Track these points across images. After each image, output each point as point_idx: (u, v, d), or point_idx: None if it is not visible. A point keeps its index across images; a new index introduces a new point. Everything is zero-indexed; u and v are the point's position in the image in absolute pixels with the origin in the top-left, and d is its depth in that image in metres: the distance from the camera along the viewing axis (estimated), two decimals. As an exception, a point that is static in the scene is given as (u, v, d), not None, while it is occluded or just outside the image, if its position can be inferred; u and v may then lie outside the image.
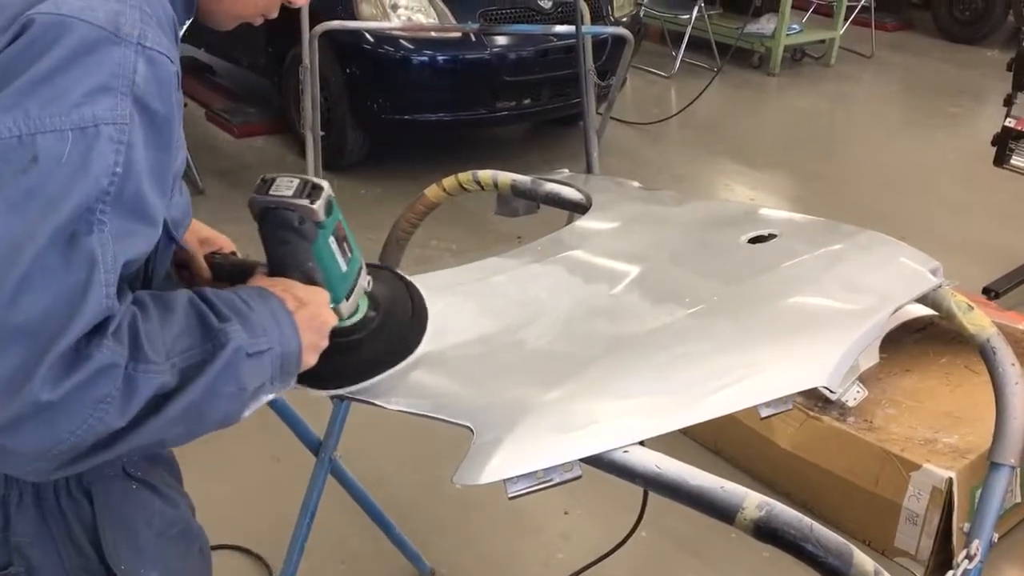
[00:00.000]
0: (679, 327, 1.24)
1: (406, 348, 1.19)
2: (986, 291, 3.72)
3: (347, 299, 1.10)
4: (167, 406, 0.86)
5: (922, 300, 1.42)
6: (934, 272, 1.40)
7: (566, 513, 2.63)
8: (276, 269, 1.08)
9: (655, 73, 6.81)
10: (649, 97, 6.42)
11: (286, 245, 1.06)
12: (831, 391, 2.33)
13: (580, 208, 1.68)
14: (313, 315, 1.03)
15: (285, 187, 1.06)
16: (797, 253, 1.41)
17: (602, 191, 1.71)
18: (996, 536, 1.42)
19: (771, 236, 1.47)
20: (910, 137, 5.93)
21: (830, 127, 6.26)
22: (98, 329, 0.81)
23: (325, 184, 1.08)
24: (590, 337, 1.22)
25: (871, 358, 2.81)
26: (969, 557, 1.36)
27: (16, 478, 0.99)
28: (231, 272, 1.21)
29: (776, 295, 1.31)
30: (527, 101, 4.68)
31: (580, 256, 1.42)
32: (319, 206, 1.06)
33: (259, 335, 0.94)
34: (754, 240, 1.46)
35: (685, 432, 2.96)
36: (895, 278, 1.38)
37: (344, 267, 1.10)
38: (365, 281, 1.14)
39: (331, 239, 1.08)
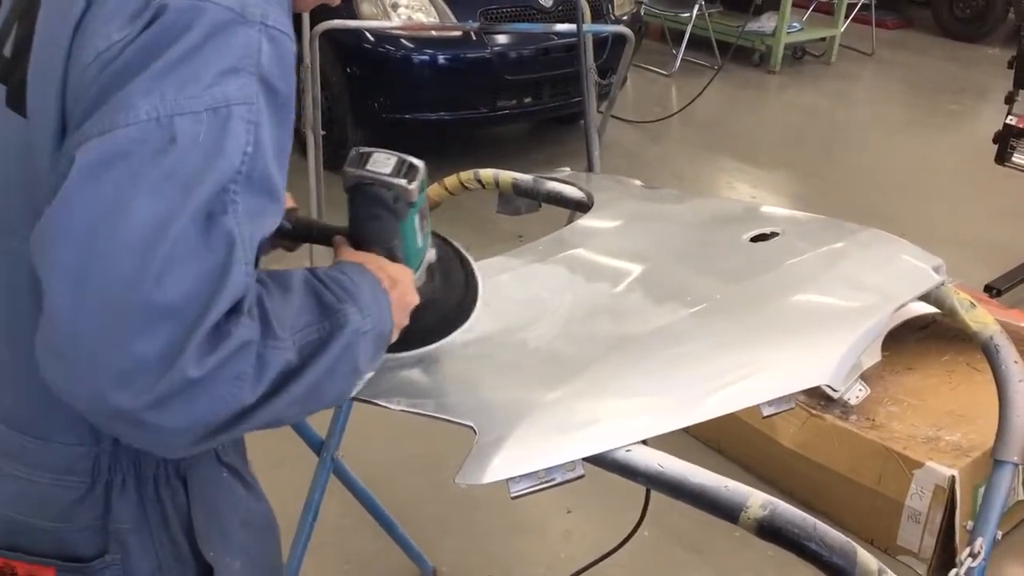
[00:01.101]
0: (681, 326, 1.24)
1: (459, 317, 1.19)
2: (988, 289, 3.71)
3: (416, 272, 1.12)
4: (291, 384, 0.87)
5: (924, 298, 1.42)
6: (937, 269, 1.40)
7: (569, 512, 2.63)
8: (361, 242, 1.08)
9: (656, 72, 6.80)
10: (650, 96, 6.42)
11: (376, 221, 1.07)
12: (833, 389, 2.33)
13: (582, 207, 1.67)
14: (402, 295, 1.04)
15: (383, 163, 1.07)
16: (799, 251, 1.41)
17: (604, 190, 1.71)
18: (999, 534, 1.41)
19: (773, 234, 1.47)
20: (911, 135, 5.92)
21: (831, 125, 6.25)
22: (235, 307, 0.82)
23: (421, 164, 1.09)
24: (592, 336, 1.22)
25: (873, 356, 2.83)
26: (972, 555, 1.36)
27: (120, 464, 1.00)
28: (317, 234, 1.20)
29: (778, 293, 1.31)
30: (528, 100, 4.68)
31: (582, 255, 1.42)
32: (415, 187, 1.07)
33: (366, 315, 0.95)
34: (756, 238, 1.46)
35: (687, 431, 2.95)
36: (897, 276, 1.37)
37: (420, 243, 1.11)
38: (432, 254, 1.15)
39: (416, 216, 1.09)
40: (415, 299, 1.07)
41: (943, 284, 1.39)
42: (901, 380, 2.83)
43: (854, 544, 1.03)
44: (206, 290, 0.79)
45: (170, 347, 0.78)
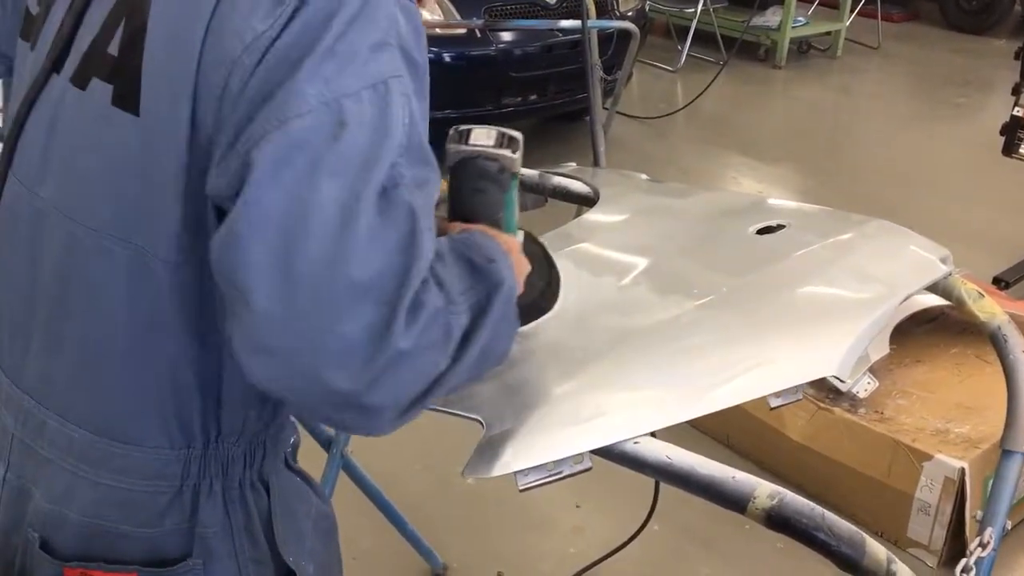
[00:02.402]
0: (687, 319, 1.24)
1: (549, 300, 1.19)
2: (996, 281, 3.70)
3: None
4: (469, 347, 0.88)
5: (932, 288, 1.42)
6: (944, 260, 1.40)
7: (578, 507, 2.64)
8: (466, 217, 1.08)
9: (661, 67, 6.80)
10: (655, 92, 6.41)
11: (483, 194, 1.08)
12: (841, 382, 2.32)
13: (588, 201, 1.68)
14: (519, 261, 1.05)
15: (484, 137, 1.09)
16: (805, 243, 1.40)
17: (609, 184, 1.71)
18: (1009, 524, 1.41)
19: (779, 227, 1.47)
20: (917, 128, 5.91)
21: (837, 119, 6.24)
22: None
23: (519, 135, 1.10)
24: (598, 330, 1.22)
25: (881, 349, 2.82)
26: (982, 545, 1.36)
27: (209, 468, 1.00)
28: None
29: (785, 285, 1.31)
30: (533, 97, 4.68)
31: (588, 249, 1.42)
32: (518, 156, 1.08)
33: (511, 273, 0.97)
34: (762, 231, 1.46)
35: (696, 425, 2.97)
36: (904, 266, 1.37)
37: (518, 216, 1.12)
38: (521, 234, 1.15)
39: (516, 188, 1.10)
40: (527, 266, 1.08)
41: (950, 275, 1.38)
42: (910, 373, 2.83)
43: (863, 534, 1.03)
44: (400, 263, 0.81)
45: (379, 323, 0.79)
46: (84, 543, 1.00)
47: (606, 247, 1.44)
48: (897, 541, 2.52)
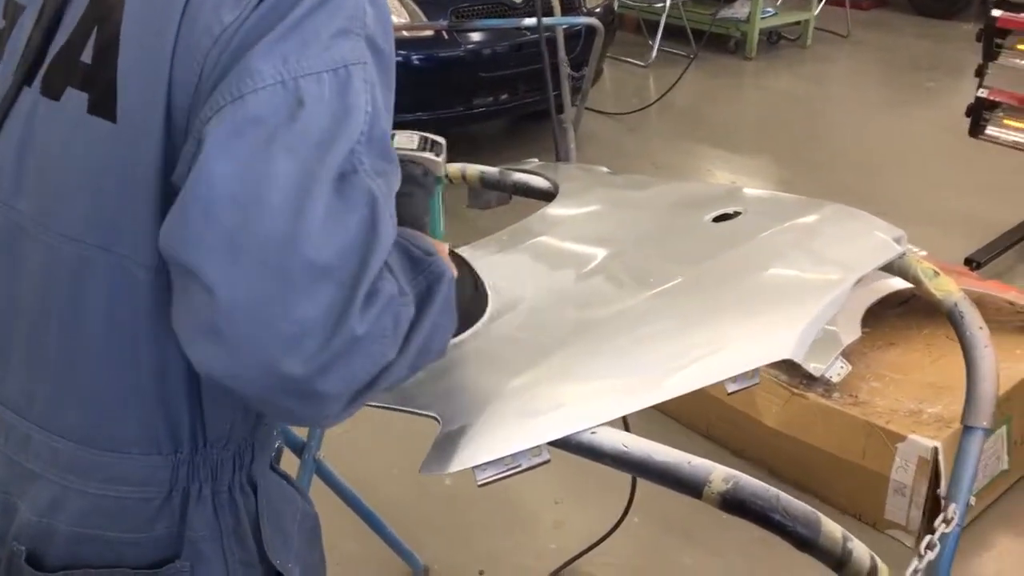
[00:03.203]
0: (644, 308, 1.24)
1: (475, 312, 1.19)
2: (968, 262, 3.73)
3: None
4: (413, 337, 0.87)
5: (888, 268, 1.43)
6: (898, 240, 1.41)
7: (557, 503, 2.64)
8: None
9: (632, 63, 6.81)
10: (628, 87, 6.43)
11: (408, 198, 1.07)
12: (811, 367, 2.32)
13: (548, 196, 1.68)
14: (449, 264, 1.03)
15: (407, 141, 1.09)
16: (761, 229, 1.41)
17: (570, 179, 1.71)
18: (973, 499, 1.43)
19: (736, 214, 1.48)
20: (888, 114, 5.94)
21: (809, 108, 6.27)
22: None
23: (442, 140, 1.10)
24: (555, 323, 1.23)
25: (853, 333, 2.81)
26: (946, 521, 1.37)
27: (198, 473, 0.99)
28: None
29: (740, 271, 1.32)
30: (504, 96, 4.68)
31: (545, 243, 1.43)
32: (442, 159, 1.08)
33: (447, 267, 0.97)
34: (719, 218, 1.47)
35: (676, 417, 2.98)
36: (859, 248, 1.38)
37: (442, 222, 1.12)
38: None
39: (440, 192, 1.11)
40: (454, 271, 1.07)
41: (904, 255, 1.39)
42: (883, 356, 2.84)
43: (818, 513, 1.04)
44: (360, 246, 0.79)
45: (334, 307, 0.77)
46: (71, 552, 1.00)
47: (564, 240, 1.44)
48: (875, 523, 2.53)
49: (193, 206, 0.78)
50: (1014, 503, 2.73)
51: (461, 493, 2.61)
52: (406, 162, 1.07)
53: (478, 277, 1.19)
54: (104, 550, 0.99)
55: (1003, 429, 2.64)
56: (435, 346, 0.95)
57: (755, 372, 1.16)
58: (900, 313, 2.99)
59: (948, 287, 1.41)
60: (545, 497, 2.65)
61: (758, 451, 2.74)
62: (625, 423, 1.97)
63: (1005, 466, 2.68)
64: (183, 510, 1.00)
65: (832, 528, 1.03)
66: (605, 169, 1.81)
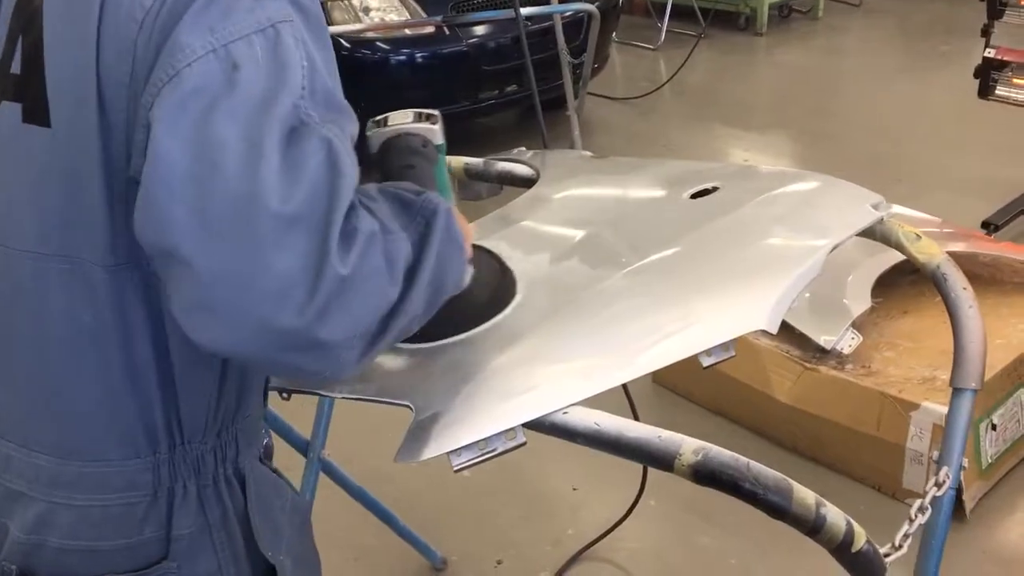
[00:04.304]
0: (617, 286, 1.24)
1: (503, 298, 1.21)
2: (985, 225, 3.67)
3: None
4: (417, 275, 0.89)
5: (871, 234, 1.42)
6: (876, 206, 1.40)
7: (574, 490, 2.65)
8: None
9: (642, 47, 6.77)
10: (638, 71, 6.39)
11: (413, 170, 1.10)
12: (822, 340, 2.30)
13: (532, 184, 1.68)
14: (462, 222, 1.04)
15: (402, 117, 1.13)
16: (738, 203, 1.41)
17: (552, 165, 1.71)
18: (966, 461, 1.42)
19: (714, 189, 1.47)
20: (904, 81, 5.86)
21: (823, 81, 6.20)
22: (350, 204, 0.84)
23: (436, 111, 1.15)
24: (528, 306, 1.23)
25: (862, 303, 2.82)
26: (938, 484, 1.36)
27: (180, 470, 1.00)
28: None
29: (715, 245, 1.32)
30: (510, 88, 4.68)
31: (523, 228, 1.43)
32: (439, 128, 1.13)
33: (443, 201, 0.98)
34: (697, 195, 1.47)
35: (689, 397, 2.97)
36: (836, 216, 1.38)
37: (451, 193, 1.16)
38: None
39: (444, 161, 1.15)
40: (471, 230, 1.08)
41: (883, 220, 1.38)
42: (896, 324, 2.81)
43: (790, 481, 1.04)
44: (323, 188, 0.81)
45: (313, 251, 0.79)
46: (60, 565, 1.01)
47: (541, 224, 1.45)
48: (894, 493, 2.51)
49: (154, 188, 0.80)
50: (1038, 466, 2.70)
51: (478, 484, 2.62)
52: (406, 135, 1.11)
53: (503, 263, 1.22)
54: (93, 561, 1.00)
55: (1021, 392, 2.61)
56: (449, 279, 0.96)
57: (730, 344, 1.16)
58: (913, 280, 2.96)
59: (930, 250, 1.40)
60: (562, 484, 2.66)
61: (774, 428, 2.72)
62: (632, 407, 1.98)
63: (1025, 429, 2.65)
64: (170, 510, 1.01)
65: (805, 495, 1.03)
66: (588, 153, 1.81)
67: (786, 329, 2.63)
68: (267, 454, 1.15)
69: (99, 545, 1.00)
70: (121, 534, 1.00)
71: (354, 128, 0.90)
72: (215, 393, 1.01)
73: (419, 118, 1.13)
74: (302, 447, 1.96)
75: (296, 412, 2.03)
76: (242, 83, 0.81)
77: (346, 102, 0.90)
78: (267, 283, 0.78)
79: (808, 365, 2.62)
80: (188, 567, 1.02)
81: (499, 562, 2.42)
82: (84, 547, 1.00)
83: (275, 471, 1.15)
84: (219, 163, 0.79)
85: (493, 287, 1.25)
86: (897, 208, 2.97)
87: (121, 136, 0.88)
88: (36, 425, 1.00)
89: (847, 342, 2.64)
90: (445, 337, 1.16)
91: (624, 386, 1.96)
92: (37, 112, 0.91)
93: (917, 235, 1.41)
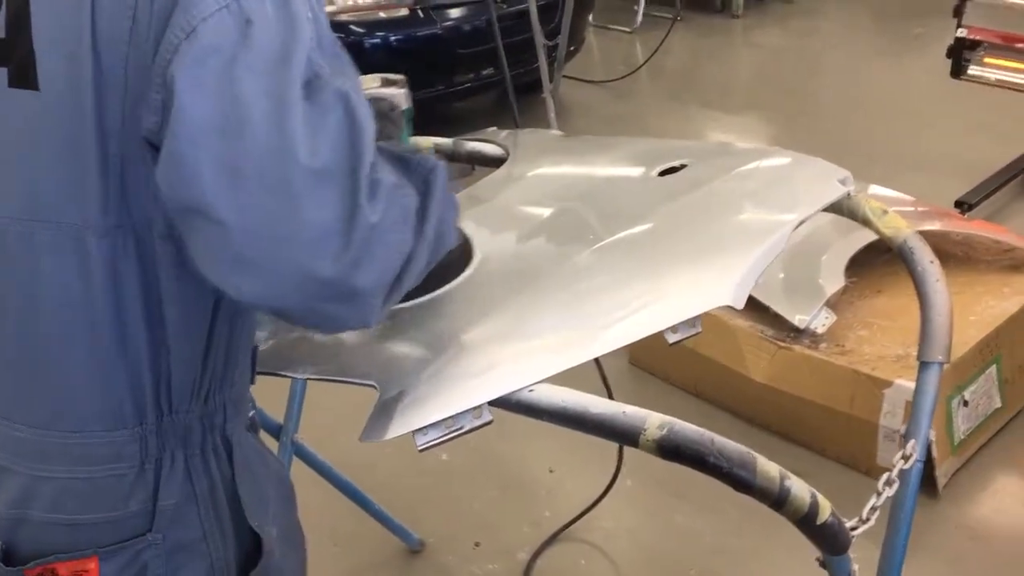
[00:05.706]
0: (583, 263, 1.24)
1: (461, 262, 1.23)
2: (958, 204, 3.69)
3: None
4: (425, 224, 0.93)
5: (837, 209, 1.42)
6: (843, 181, 1.40)
7: (551, 471, 2.65)
8: None
9: (619, 29, 6.76)
10: (615, 54, 6.39)
11: (379, 134, 1.12)
12: (796, 319, 2.31)
13: (501, 163, 1.68)
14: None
15: (368, 83, 1.16)
16: (705, 179, 1.41)
17: (523, 144, 1.71)
18: (933, 434, 1.42)
19: (682, 166, 1.47)
20: (879, 62, 5.89)
21: (799, 63, 6.22)
22: None
23: (402, 76, 1.18)
24: (494, 284, 1.23)
25: (836, 282, 2.82)
26: (905, 457, 1.37)
27: (167, 441, 0.99)
28: None
29: (682, 222, 1.32)
30: (486, 72, 4.66)
31: (490, 206, 1.43)
32: (405, 92, 1.16)
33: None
34: (665, 172, 1.46)
35: (664, 378, 2.98)
36: (801, 191, 1.38)
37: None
38: None
39: (410, 126, 1.18)
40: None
41: (849, 195, 1.39)
42: (871, 303, 2.83)
43: (754, 454, 1.04)
44: (347, 141, 0.83)
45: (344, 201, 0.81)
46: (44, 540, 1.00)
47: (509, 203, 1.44)
48: (869, 471, 2.53)
49: (180, 145, 0.80)
50: (1011, 441, 2.73)
51: (455, 466, 2.63)
52: (373, 100, 1.12)
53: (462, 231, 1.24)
54: (76, 533, 0.99)
55: (992, 368, 2.63)
56: (446, 233, 1.00)
57: (696, 320, 1.16)
58: (887, 260, 2.97)
59: (897, 223, 1.41)
60: (539, 466, 2.66)
61: (749, 407, 2.74)
62: (608, 387, 1.98)
63: (998, 404, 2.67)
64: (156, 482, 1.00)
65: (769, 468, 1.03)
66: (559, 132, 1.81)
67: (761, 309, 2.65)
68: (252, 427, 1.14)
69: (83, 518, 0.99)
70: (107, 507, 0.99)
71: (357, 73, 0.92)
72: (201, 357, 1.00)
73: (386, 83, 1.16)
74: (275, 430, 1.95)
75: (269, 395, 2.02)
76: (256, 37, 0.82)
77: (342, 47, 0.91)
78: (305, 235, 0.80)
79: (782, 344, 2.63)
80: (173, 537, 1.01)
81: (477, 544, 2.43)
82: (67, 520, 0.99)
83: (261, 443, 1.15)
84: (245, 117, 0.80)
85: (455, 254, 1.25)
86: (873, 188, 3.00)
87: (117, 95, 0.87)
88: (19, 396, 0.98)
89: (821, 321, 2.68)
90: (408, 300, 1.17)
91: (599, 367, 1.97)
92: (23, 75, 0.90)
93: (884, 210, 1.42)
